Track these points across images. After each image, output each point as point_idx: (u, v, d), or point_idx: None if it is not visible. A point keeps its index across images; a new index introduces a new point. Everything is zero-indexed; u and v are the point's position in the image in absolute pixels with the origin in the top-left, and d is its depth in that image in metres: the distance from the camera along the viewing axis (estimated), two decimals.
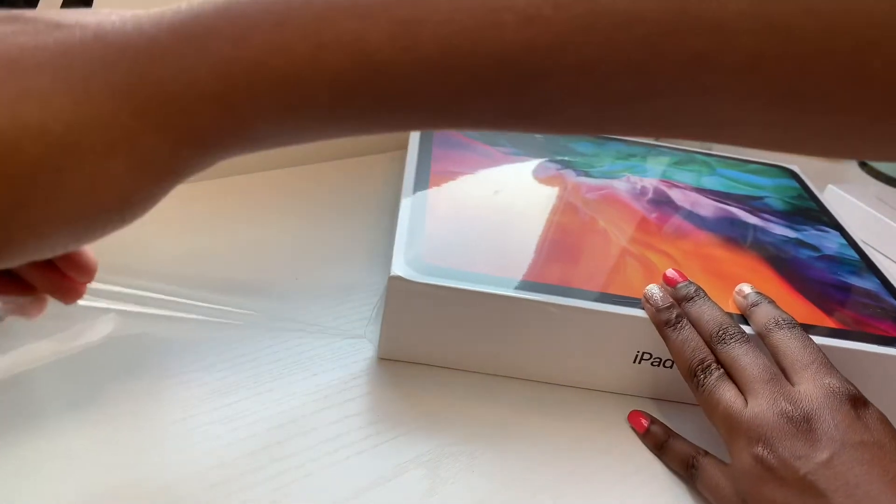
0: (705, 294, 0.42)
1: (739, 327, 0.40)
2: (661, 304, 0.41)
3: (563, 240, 0.47)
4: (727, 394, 0.37)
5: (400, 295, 0.41)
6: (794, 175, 0.64)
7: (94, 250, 0.35)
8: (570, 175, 0.54)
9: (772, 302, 0.42)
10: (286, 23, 0.21)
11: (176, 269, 0.51)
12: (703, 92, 0.21)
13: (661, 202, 0.53)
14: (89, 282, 0.33)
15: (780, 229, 0.53)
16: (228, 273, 0.51)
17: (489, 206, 0.50)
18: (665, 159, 0.61)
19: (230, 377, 0.43)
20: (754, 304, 0.42)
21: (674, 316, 0.41)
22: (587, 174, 0.55)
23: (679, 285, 0.43)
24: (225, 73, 0.21)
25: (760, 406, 0.35)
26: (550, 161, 0.56)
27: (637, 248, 0.48)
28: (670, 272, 0.44)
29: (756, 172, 0.62)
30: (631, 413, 0.43)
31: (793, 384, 0.36)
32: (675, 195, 0.54)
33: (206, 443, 0.38)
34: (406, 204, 0.48)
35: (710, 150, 0.68)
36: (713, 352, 0.39)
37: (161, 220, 0.56)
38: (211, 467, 0.37)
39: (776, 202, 0.57)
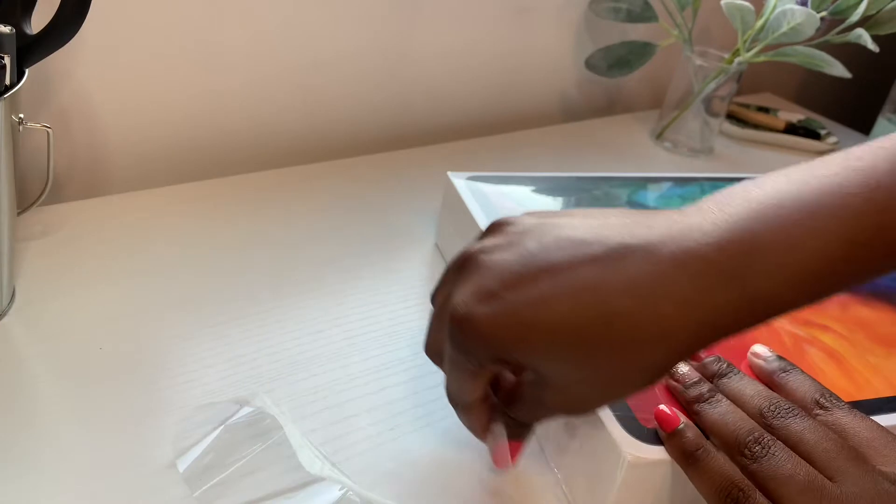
0: (738, 370, 0.39)
1: (790, 403, 0.36)
2: (688, 379, 0.38)
3: (739, 343, 0.42)
4: (802, 469, 0.32)
5: (638, 478, 0.35)
6: None
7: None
8: None
9: (800, 370, 0.39)
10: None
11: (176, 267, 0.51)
12: None
13: None
14: None
15: None
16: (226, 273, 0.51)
17: None
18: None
19: (230, 377, 0.43)
20: (784, 371, 0.38)
21: (706, 390, 0.37)
22: None
23: (707, 360, 0.39)
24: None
25: (858, 486, 0.31)
26: None
27: (803, 329, 0.46)
28: None
29: None
30: (657, 409, 0.36)
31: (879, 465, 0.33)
32: None
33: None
34: None
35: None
36: (769, 430, 0.34)
37: (164, 219, 0.56)
38: (211, 467, 0.37)
39: None
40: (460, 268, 0.33)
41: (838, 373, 0.42)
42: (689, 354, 0.30)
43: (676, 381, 0.38)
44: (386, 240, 0.58)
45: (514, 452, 0.36)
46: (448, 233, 0.56)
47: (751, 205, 0.30)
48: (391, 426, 0.41)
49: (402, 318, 0.49)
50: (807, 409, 0.36)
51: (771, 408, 0.35)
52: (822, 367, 0.43)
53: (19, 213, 0.48)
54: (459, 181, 0.54)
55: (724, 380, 0.38)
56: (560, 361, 0.30)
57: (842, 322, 0.47)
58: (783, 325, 0.46)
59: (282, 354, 0.45)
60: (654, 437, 0.36)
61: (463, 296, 0.31)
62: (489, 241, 0.33)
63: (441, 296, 0.35)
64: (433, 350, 0.36)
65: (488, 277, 0.31)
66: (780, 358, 0.40)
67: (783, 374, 0.38)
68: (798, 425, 0.34)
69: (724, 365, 0.39)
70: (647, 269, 0.29)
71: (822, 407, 0.36)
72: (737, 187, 0.32)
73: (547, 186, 0.56)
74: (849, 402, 0.37)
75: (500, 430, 0.36)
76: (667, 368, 0.31)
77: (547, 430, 0.41)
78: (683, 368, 0.39)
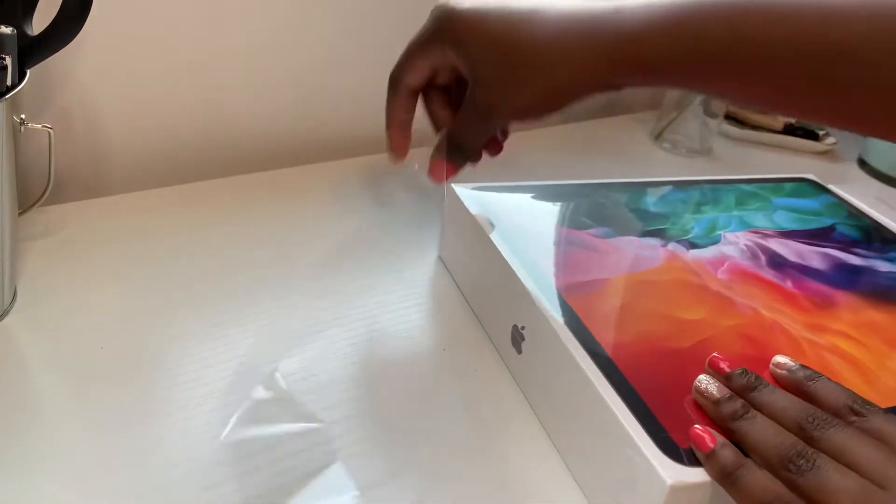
0: (767, 382, 0.38)
1: (827, 413, 0.35)
2: (718, 394, 0.36)
3: (761, 354, 0.42)
4: (851, 480, 0.31)
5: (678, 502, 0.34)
6: (817, 185, 0.64)
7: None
8: (680, 251, 0.52)
9: (826, 377, 0.38)
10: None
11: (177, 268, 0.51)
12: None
13: (778, 263, 0.52)
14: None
15: (884, 265, 0.54)
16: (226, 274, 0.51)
17: (672, 332, 0.43)
18: (729, 202, 0.60)
19: (230, 377, 0.43)
20: (810, 380, 0.38)
21: (739, 406, 0.36)
22: (692, 244, 0.53)
23: (734, 373, 0.38)
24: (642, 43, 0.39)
25: None
26: (645, 237, 0.53)
27: (821, 337, 0.45)
28: (716, 355, 0.39)
29: (795, 194, 0.62)
30: (693, 430, 0.35)
31: None
32: (777, 248, 0.54)
33: (206, 443, 0.38)
34: (573, 346, 0.40)
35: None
36: (810, 442, 0.34)
37: (166, 219, 0.56)
38: (211, 467, 0.37)
39: (845, 228, 0.58)
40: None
41: (856, 377, 0.42)
42: (585, 86, 0.43)
43: (706, 397, 0.37)
44: (387, 239, 0.58)
45: (449, 174, 0.49)
46: (452, 245, 0.55)
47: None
48: (391, 426, 0.41)
49: (403, 318, 0.49)
50: (842, 417, 0.35)
51: (809, 419, 0.34)
52: (845, 374, 0.42)
53: (21, 214, 0.48)
54: (464, 192, 0.53)
55: (755, 393, 0.37)
56: (486, 60, 0.43)
57: (856, 327, 0.47)
58: (801, 332, 0.46)
59: (282, 354, 0.45)
60: (691, 458, 0.34)
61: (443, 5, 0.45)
62: None
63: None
64: (396, 73, 0.50)
65: None
66: (804, 367, 0.39)
67: (810, 384, 0.37)
68: (840, 435, 0.33)
69: (752, 378, 0.38)
70: (565, 10, 0.42)
71: (857, 413, 0.35)
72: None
73: (549, 194, 0.56)
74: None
75: (439, 149, 0.49)
76: (567, 92, 0.44)
77: (576, 450, 0.40)
78: (712, 385, 0.37)
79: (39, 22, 0.43)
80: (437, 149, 0.49)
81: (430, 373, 0.45)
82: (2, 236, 0.43)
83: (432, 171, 0.49)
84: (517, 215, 0.52)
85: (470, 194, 0.53)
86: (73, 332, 0.44)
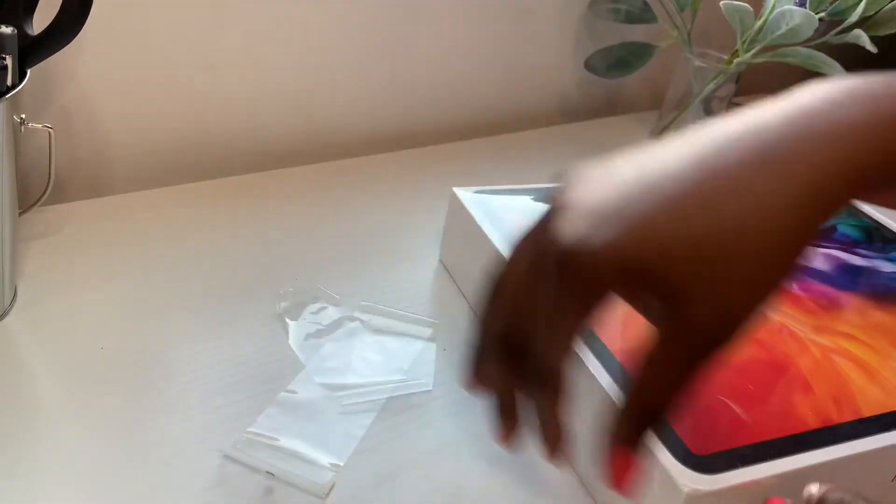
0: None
1: None
2: None
3: (770, 357, 0.42)
4: None
5: None
6: None
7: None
8: None
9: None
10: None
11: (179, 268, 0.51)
12: None
13: None
14: None
15: (886, 266, 0.54)
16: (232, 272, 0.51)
17: None
18: None
19: (230, 377, 0.43)
20: None
21: None
22: None
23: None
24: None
25: None
26: None
27: (828, 339, 0.45)
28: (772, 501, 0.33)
29: None
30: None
31: None
32: None
33: (206, 443, 0.38)
34: (583, 352, 0.40)
35: None
36: None
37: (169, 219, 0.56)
38: (211, 467, 0.37)
39: (846, 228, 0.58)
40: (542, 224, 0.29)
41: (866, 380, 0.42)
42: (799, 249, 0.27)
43: None
44: (387, 239, 0.58)
45: (627, 470, 0.27)
46: (454, 248, 0.55)
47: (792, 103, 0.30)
48: (391, 426, 0.41)
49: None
50: None
51: None
52: (851, 375, 0.43)
53: (21, 214, 0.48)
54: (466, 195, 0.53)
55: None
56: (700, 263, 0.26)
57: (863, 329, 0.47)
58: (808, 334, 0.46)
59: (282, 354, 0.45)
60: (706, 465, 0.34)
61: (573, 233, 0.27)
62: (567, 194, 0.29)
63: (523, 252, 0.30)
64: (491, 331, 0.30)
65: (589, 203, 0.28)
66: (834, 489, 0.34)
67: None
68: None
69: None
70: (758, 149, 0.28)
71: None
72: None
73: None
74: (883, 413, 0.37)
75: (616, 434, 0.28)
76: (810, 230, 0.27)
77: (589, 458, 0.39)
78: None
79: (39, 22, 0.43)
80: (614, 435, 0.28)
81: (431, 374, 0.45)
82: (2, 236, 0.43)
83: (615, 474, 0.27)
84: (519, 217, 0.51)
85: (472, 197, 0.53)
86: (73, 332, 0.44)
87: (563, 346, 0.28)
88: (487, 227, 0.50)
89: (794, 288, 0.50)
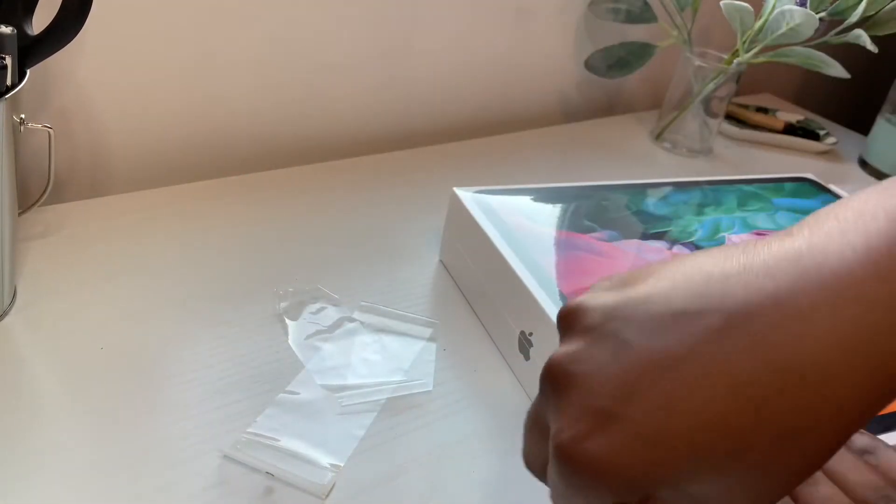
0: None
1: None
2: None
3: None
4: None
5: None
6: (818, 185, 0.64)
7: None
8: (685, 254, 0.50)
9: (886, 445, 0.33)
10: None
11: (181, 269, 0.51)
12: None
13: None
14: None
15: None
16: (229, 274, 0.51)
17: None
18: (731, 203, 0.60)
19: (230, 377, 0.43)
20: (870, 452, 0.33)
21: None
22: (696, 246, 0.52)
23: None
24: None
25: None
26: (649, 240, 0.52)
27: None
28: None
29: (796, 194, 0.62)
30: None
31: None
32: None
33: (206, 443, 0.38)
34: None
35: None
36: None
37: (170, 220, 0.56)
38: (211, 467, 0.37)
39: None
40: (552, 387, 0.26)
41: None
42: (864, 421, 0.22)
43: None
44: (387, 239, 0.58)
45: None
46: (454, 248, 0.55)
47: (879, 222, 0.22)
48: (391, 426, 0.41)
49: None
50: None
51: (882, 499, 0.30)
52: None
53: (20, 214, 0.48)
54: (466, 195, 0.53)
55: None
56: (715, 474, 0.22)
57: None
58: None
59: (282, 354, 0.45)
60: None
61: (567, 425, 0.24)
62: (571, 346, 0.26)
63: (534, 417, 0.28)
64: (535, 466, 0.29)
65: (590, 394, 0.24)
66: (861, 434, 0.33)
67: (869, 457, 0.32)
68: None
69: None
70: (790, 328, 0.22)
71: None
72: (856, 199, 0.23)
73: (551, 196, 0.56)
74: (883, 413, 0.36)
75: None
76: (840, 444, 0.22)
77: None
78: None
79: (39, 22, 0.43)
80: None
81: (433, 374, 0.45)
82: (2, 236, 0.43)
83: None
84: (520, 218, 0.51)
85: (472, 197, 0.53)
86: (73, 332, 0.44)
87: None
88: (488, 228, 0.50)
89: None
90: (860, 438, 0.33)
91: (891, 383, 0.21)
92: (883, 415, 0.40)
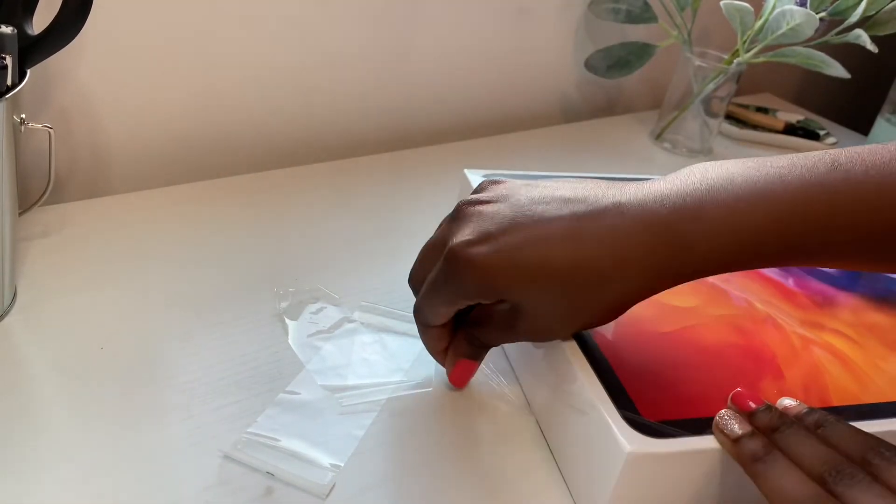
0: (792, 421, 0.35)
1: (854, 466, 0.32)
2: (740, 431, 0.35)
3: (748, 343, 0.43)
4: None
5: (638, 471, 0.35)
6: None
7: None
8: None
9: (839, 420, 0.35)
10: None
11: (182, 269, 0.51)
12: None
13: None
14: None
15: None
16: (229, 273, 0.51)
17: (658, 316, 0.44)
18: None
19: (230, 377, 0.43)
20: (821, 426, 0.35)
21: (760, 447, 0.34)
22: None
23: (758, 410, 0.36)
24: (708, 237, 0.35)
25: None
26: None
27: (813, 332, 0.45)
28: (740, 391, 0.37)
29: None
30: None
31: None
32: None
33: (206, 443, 0.38)
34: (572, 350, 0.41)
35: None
36: (831, 494, 0.31)
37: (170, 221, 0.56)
38: (211, 467, 0.37)
39: None
40: (456, 217, 0.39)
41: (843, 372, 0.42)
42: (640, 298, 0.37)
43: (726, 434, 0.35)
44: (388, 239, 0.58)
45: (467, 373, 0.42)
46: None
47: (706, 180, 0.36)
48: (391, 426, 0.41)
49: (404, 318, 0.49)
50: (865, 465, 0.32)
51: (833, 472, 0.32)
52: (828, 367, 0.43)
53: (21, 214, 0.48)
54: (476, 178, 0.53)
55: (778, 434, 0.35)
56: (538, 296, 0.37)
57: (854, 327, 0.47)
58: (794, 327, 0.46)
59: (282, 354, 0.45)
60: (657, 433, 0.35)
61: (462, 237, 0.37)
62: (483, 195, 0.40)
63: (437, 238, 0.40)
64: (415, 280, 0.42)
65: (485, 222, 0.37)
66: (813, 410, 0.36)
67: (822, 430, 0.35)
68: (865, 495, 0.31)
69: (777, 416, 0.36)
70: (616, 223, 0.36)
71: (883, 458, 0.32)
72: (700, 165, 0.38)
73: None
74: (852, 404, 0.36)
75: (459, 351, 0.42)
76: (623, 307, 0.37)
77: (550, 417, 0.41)
78: (732, 422, 0.36)
79: (39, 22, 0.43)
80: (456, 352, 0.42)
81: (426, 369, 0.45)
82: (2, 236, 0.43)
83: (455, 378, 0.43)
84: None
85: (480, 180, 0.53)
86: (73, 332, 0.44)
87: (431, 319, 0.41)
88: None
89: (790, 283, 0.50)
90: (813, 414, 0.36)
91: (658, 278, 0.36)
92: (852, 405, 0.40)
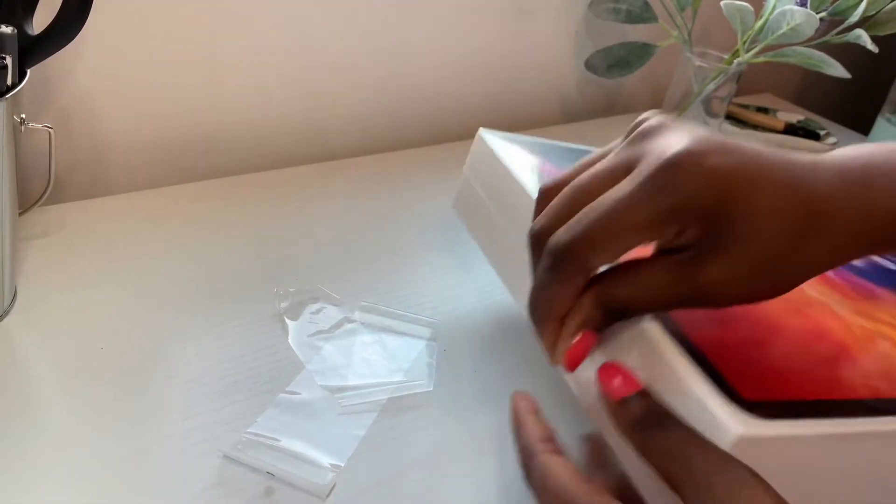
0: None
1: None
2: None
3: (813, 326, 0.42)
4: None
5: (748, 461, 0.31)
6: None
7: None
8: None
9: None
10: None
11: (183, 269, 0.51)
12: None
13: None
14: None
15: None
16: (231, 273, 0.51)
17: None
18: None
19: (230, 377, 0.43)
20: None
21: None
22: None
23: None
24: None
25: None
26: None
27: (869, 322, 0.44)
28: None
29: None
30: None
31: None
32: None
33: (206, 443, 0.38)
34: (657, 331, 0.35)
35: None
36: None
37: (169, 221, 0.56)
38: (211, 467, 0.37)
39: None
40: (647, 134, 0.32)
41: None
42: (829, 267, 0.32)
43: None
44: (387, 240, 0.58)
45: (586, 351, 0.32)
46: (472, 194, 0.51)
47: (861, 155, 0.32)
48: (391, 426, 0.41)
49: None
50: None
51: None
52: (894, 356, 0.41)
53: (21, 214, 0.48)
54: (491, 137, 0.51)
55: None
56: (768, 221, 0.29)
57: None
58: (849, 316, 0.45)
59: (282, 354, 0.45)
60: (761, 411, 0.31)
61: (681, 144, 0.29)
62: (661, 117, 0.33)
63: (616, 163, 0.32)
64: (541, 238, 0.32)
65: (702, 132, 0.30)
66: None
67: None
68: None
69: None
70: (827, 177, 0.31)
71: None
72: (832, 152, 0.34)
73: (574, 152, 0.55)
74: None
75: (585, 318, 0.31)
76: (811, 273, 0.32)
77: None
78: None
79: (39, 22, 0.43)
80: (580, 320, 0.32)
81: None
82: (2, 236, 0.43)
83: (575, 353, 0.32)
84: (550, 166, 0.49)
85: (499, 141, 0.51)
86: (73, 332, 0.44)
87: (607, 242, 0.30)
88: (512, 166, 0.47)
89: (831, 275, 0.49)
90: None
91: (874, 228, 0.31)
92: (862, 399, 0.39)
